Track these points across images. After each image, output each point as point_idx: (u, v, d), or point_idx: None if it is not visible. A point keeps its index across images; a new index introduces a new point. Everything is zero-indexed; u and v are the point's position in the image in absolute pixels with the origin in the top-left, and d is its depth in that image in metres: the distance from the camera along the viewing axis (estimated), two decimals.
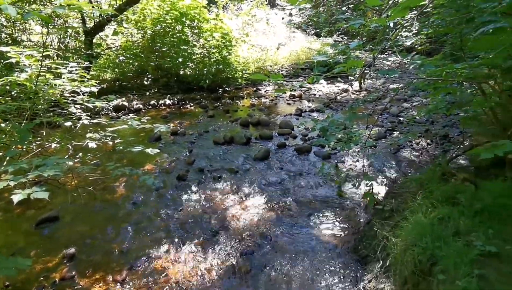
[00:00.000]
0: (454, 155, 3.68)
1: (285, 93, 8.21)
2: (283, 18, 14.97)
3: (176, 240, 2.92)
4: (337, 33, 14.33)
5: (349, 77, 8.84)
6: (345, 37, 14.07)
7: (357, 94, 8.20)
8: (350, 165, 4.35)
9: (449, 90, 2.89)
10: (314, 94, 8.53)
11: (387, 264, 2.29)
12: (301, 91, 8.58)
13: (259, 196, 3.63)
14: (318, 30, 15.08)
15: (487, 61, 2.21)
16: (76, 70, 2.99)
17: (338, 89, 8.91)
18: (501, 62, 2.11)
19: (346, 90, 8.55)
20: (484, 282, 1.61)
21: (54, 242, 2.89)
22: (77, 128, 3.04)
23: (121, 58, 7.59)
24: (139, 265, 2.62)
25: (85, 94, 3.00)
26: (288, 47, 11.65)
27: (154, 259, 2.69)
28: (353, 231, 3.01)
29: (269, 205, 3.47)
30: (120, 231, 3.04)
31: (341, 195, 3.60)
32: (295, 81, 9.32)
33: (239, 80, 8.63)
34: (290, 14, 16.02)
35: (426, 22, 3.61)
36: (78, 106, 3.01)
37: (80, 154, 3.68)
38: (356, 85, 8.39)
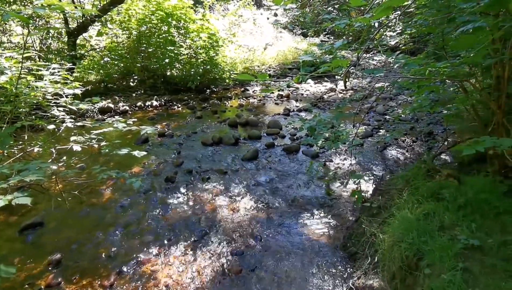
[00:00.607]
0: (438, 151, 3.76)
1: (273, 93, 8.23)
2: (268, 18, 15.01)
3: (165, 242, 2.89)
4: (324, 33, 14.48)
5: (336, 77, 8.94)
6: (332, 37, 14.22)
7: (344, 93, 8.29)
8: (338, 163, 4.40)
9: (432, 88, 2.95)
10: (302, 94, 8.58)
11: (376, 260, 2.33)
12: (289, 91, 8.62)
13: (248, 197, 3.62)
14: (305, 30, 15.19)
15: (467, 60, 2.27)
16: (58, 71, 2.92)
17: (325, 88, 8.99)
18: (481, 61, 2.18)
19: (333, 90, 8.64)
20: (468, 274, 1.65)
21: (39, 249, 2.82)
22: (60, 131, 2.97)
23: (106, 59, 7.46)
24: (127, 269, 2.58)
25: (68, 96, 2.93)
26: (275, 47, 11.68)
27: (143, 262, 2.65)
28: (341, 229, 3.04)
29: (258, 205, 3.47)
30: (107, 235, 2.99)
31: (329, 193, 3.63)
32: (283, 81, 9.36)
33: (227, 81, 8.61)
34: (275, 14, 16.08)
35: (410, 22, 3.68)
36: (61, 108, 2.94)
37: (65, 157, 3.60)
38: (341, 84, 8.49)
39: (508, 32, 1.85)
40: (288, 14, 16.34)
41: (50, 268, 2.58)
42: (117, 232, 3.03)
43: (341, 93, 8.35)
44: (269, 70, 10.35)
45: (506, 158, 2.03)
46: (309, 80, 9.43)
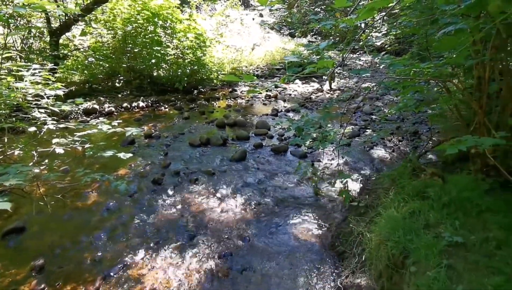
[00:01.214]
0: (423, 151, 3.83)
1: (261, 93, 8.23)
2: (253, 19, 15.02)
3: (152, 245, 2.85)
4: (311, 33, 14.60)
5: (324, 77, 9.03)
6: (319, 37, 14.34)
7: (331, 94, 8.36)
8: (326, 163, 4.43)
9: (417, 88, 3.00)
10: (290, 94, 8.61)
11: (363, 259, 2.36)
12: (277, 91, 8.64)
13: (237, 197, 3.61)
14: (292, 30, 15.28)
15: (450, 61, 2.32)
16: (39, 72, 2.83)
17: (312, 88, 9.05)
18: (462, 61, 2.23)
19: (320, 90, 8.70)
20: (452, 271, 1.69)
21: (21, 254, 2.74)
22: (42, 133, 2.89)
23: (90, 59, 7.31)
24: (113, 273, 2.53)
25: (50, 97, 2.85)
26: (263, 48, 11.69)
27: (130, 266, 2.61)
28: (329, 229, 3.06)
29: (246, 206, 3.46)
30: (92, 239, 2.92)
31: (317, 193, 3.65)
32: (271, 81, 9.38)
33: (215, 81, 8.57)
34: (261, 15, 16.11)
35: (395, 23, 3.74)
36: (42, 110, 2.86)
37: (47, 160, 3.51)
38: (327, 85, 8.58)
39: (488, 33, 1.90)
40: (274, 14, 16.40)
41: (33, 274, 2.52)
42: (102, 236, 2.97)
43: (328, 93, 8.42)
44: (257, 71, 10.35)
45: (487, 157, 2.08)
46: (297, 80, 9.48)
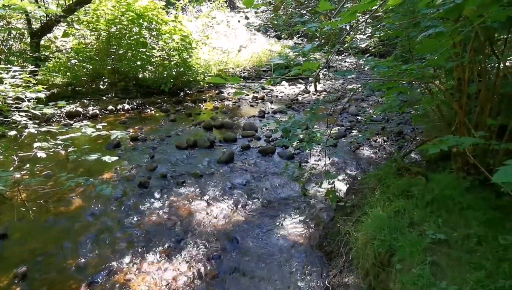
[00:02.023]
0: (407, 150, 3.91)
1: (248, 95, 8.23)
2: (239, 21, 15.05)
3: (139, 250, 2.80)
4: (297, 35, 14.73)
5: (310, 79, 9.11)
6: (305, 39, 14.49)
7: (317, 95, 8.44)
8: (313, 164, 4.47)
9: (400, 89, 3.06)
10: (277, 96, 8.65)
11: (350, 258, 2.39)
12: (264, 93, 8.67)
13: (225, 200, 3.60)
14: (278, 32, 15.39)
15: (432, 62, 2.38)
16: (19, 74, 2.75)
17: (299, 90, 9.12)
18: (443, 63, 2.29)
19: (307, 92, 8.77)
20: (436, 267, 1.73)
21: (3, 261, 2.66)
22: (23, 137, 2.80)
23: (73, 61, 7.15)
24: (99, 279, 2.48)
25: (31, 100, 2.77)
26: (249, 49, 11.71)
27: (116, 272, 2.56)
28: (317, 229, 3.08)
29: (234, 208, 3.46)
30: (77, 245, 2.86)
31: (305, 194, 3.68)
32: (257, 83, 9.40)
33: (201, 83, 8.53)
34: (246, 17, 16.15)
35: (378, 26, 3.82)
36: (23, 113, 2.78)
37: (28, 165, 3.41)
38: (312, 86, 8.66)
39: (467, 36, 1.96)
40: (260, 16, 16.48)
41: (16, 281, 2.45)
42: (87, 241, 2.90)
43: (314, 94, 8.50)
44: (243, 72, 10.35)
45: (468, 155, 2.14)
46: (284, 82, 9.53)
